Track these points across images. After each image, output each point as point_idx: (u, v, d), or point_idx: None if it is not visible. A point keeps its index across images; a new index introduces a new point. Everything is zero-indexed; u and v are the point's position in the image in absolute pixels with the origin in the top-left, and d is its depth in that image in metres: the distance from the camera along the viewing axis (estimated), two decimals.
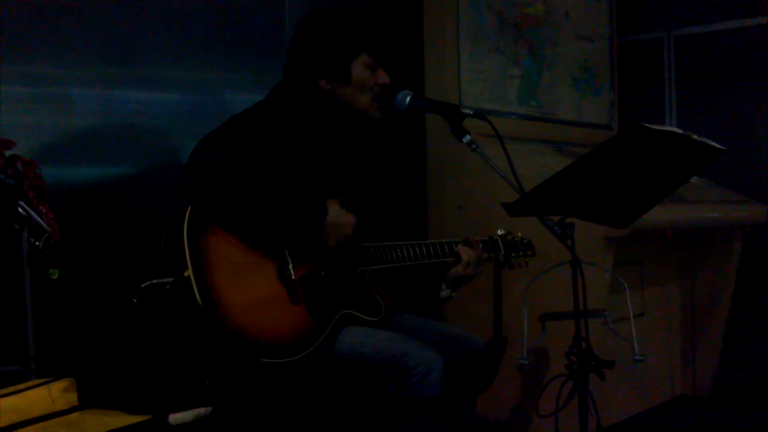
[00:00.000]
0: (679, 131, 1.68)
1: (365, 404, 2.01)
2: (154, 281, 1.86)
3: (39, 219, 2.00)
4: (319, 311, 1.95)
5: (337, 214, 1.98)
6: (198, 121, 2.62)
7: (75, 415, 1.84)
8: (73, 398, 1.89)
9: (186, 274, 1.82)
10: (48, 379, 1.89)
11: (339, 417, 2.03)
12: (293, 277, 1.93)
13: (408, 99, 2.11)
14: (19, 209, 1.99)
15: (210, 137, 1.97)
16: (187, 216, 1.89)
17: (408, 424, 1.90)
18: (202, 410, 1.93)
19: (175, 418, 1.87)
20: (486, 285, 2.30)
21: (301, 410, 2.00)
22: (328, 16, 2.16)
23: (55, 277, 2.01)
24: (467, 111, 2.05)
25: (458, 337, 2.12)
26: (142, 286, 1.86)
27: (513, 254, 2.28)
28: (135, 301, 1.90)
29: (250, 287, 1.89)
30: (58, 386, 1.88)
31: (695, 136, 1.71)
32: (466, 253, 2.17)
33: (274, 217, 1.90)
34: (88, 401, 1.90)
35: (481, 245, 2.23)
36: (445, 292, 2.21)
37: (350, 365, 1.94)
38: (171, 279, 1.86)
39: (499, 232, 2.30)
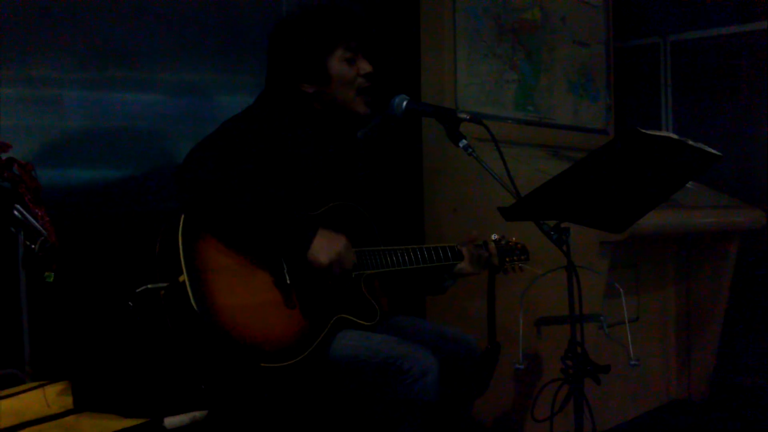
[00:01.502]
0: (675, 137, 1.69)
1: (361, 407, 2.00)
2: (149, 286, 1.85)
3: (35, 222, 2.00)
4: (314, 316, 1.95)
5: (326, 236, 1.94)
6: (195, 123, 2.62)
7: (70, 419, 1.84)
8: (68, 401, 1.88)
9: (181, 279, 1.81)
10: (43, 383, 1.89)
11: (335, 420, 2.03)
12: (288, 282, 1.93)
13: (404, 103, 2.11)
14: (15, 212, 1.99)
15: (204, 143, 1.95)
16: (182, 220, 1.88)
17: (403, 426, 1.90)
18: (197, 414, 1.93)
19: (170, 421, 1.86)
20: (481, 286, 2.31)
21: (297, 414, 2.00)
22: (297, 18, 2.14)
23: (51, 280, 2.01)
24: (464, 115, 2.05)
25: (454, 338, 2.13)
26: (137, 291, 1.85)
27: (507, 259, 2.29)
28: (130, 304, 1.90)
29: (245, 292, 1.88)
30: (53, 389, 1.88)
31: (691, 142, 1.71)
32: (468, 252, 2.20)
33: (263, 232, 1.90)
34: (83, 404, 1.90)
35: (479, 245, 2.26)
36: (447, 283, 2.26)
37: (345, 369, 1.94)
38: (166, 284, 1.85)
39: (494, 237, 2.31)
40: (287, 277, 1.93)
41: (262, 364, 1.83)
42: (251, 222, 1.88)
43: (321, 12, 2.14)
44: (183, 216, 1.88)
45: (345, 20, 2.12)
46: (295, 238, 1.91)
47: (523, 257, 2.33)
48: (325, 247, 1.92)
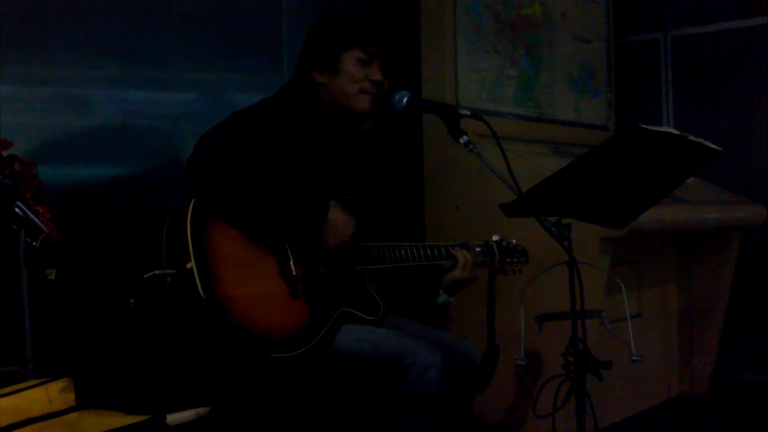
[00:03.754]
0: (676, 132, 1.69)
1: (363, 401, 2.01)
2: (157, 272, 1.86)
3: (36, 219, 2.00)
4: (319, 308, 1.96)
5: (337, 214, 1.99)
6: (198, 121, 2.61)
7: (73, 416, 1.84)
8: (70, 398, 1.88)
9: (188, 266, 1.82)
10: (45, 380, 1.88)
11: (337, 414, 2.03)
12: (294, 273, 1.94)
13: (405, 99, 2.12)
14: (17, 210, 1.99)
15: (214, 131, 1.99)
16: (190, 208, 1.89)
17: (405, 420, 1.91)
18: (200, 410, 1.93)
19: (173, 418, 1.87)
20: (483, 290, 2.30)
21: (300, 408, 2.00)
22: (330, 15, 2.23)
23: (53, 277, 2.01)
24: (464, 111, 2.05)
25: (453, 346, 2.12)
26: (145, 276, 1.86)
27: (507, 260, 2.30)
28: (132, 302, 1.90)
29: (251, 281, 1.89)
30: (55, 386, 1.87)
31: (692, 137, 1.71)
32: (462, 255, 2.19)
33: (274, 215, 1.91)
34: (85, 401, 1.90)
35: (477, 249, 2.26)
36: (442, 297, 2.23)
37: (349, 362, 1.95)
38: (173, 271, 1.86)
39: (494, 238, 2.32)
40: (293, 269, 1.93)
41: (267, 354, 1.84)
42: (261, 205, 1.89)
43: (351, 13, 2.26)
44: (192, 202, 1.89)
45: (371, 26, 2.18)
46: (306, 220, 1.93)
47: (523, 259, 2.34)
48: (336, 231, 1.96)
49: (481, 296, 2.32)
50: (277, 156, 2.02)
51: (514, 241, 2.36)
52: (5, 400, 1.79)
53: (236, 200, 1.89)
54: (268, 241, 1.95)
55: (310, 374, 1.95)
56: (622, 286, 2.14)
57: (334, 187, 2.12)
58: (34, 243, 1.99)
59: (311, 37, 2.20)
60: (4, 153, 2.03)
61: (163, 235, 1.93)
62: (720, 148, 1.77)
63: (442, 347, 2.06)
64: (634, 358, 2.11)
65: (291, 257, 1.95)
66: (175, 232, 1.89)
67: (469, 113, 2.04)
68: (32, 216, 2.00)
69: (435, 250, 2.18)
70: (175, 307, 1.87)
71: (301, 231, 1.95)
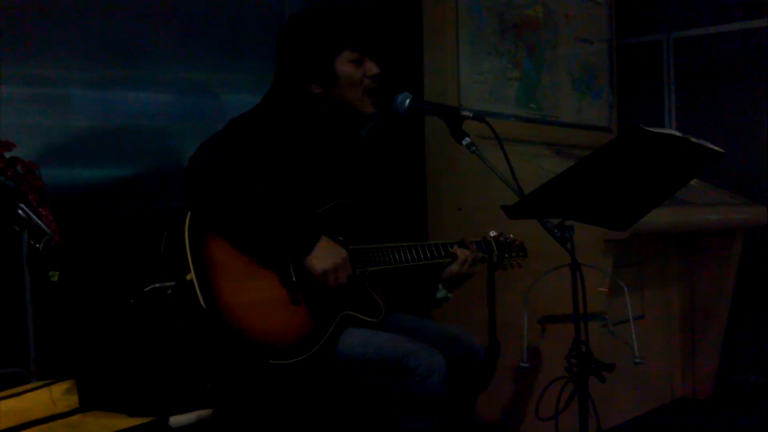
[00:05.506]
0: (678, 134, 1.69)
1: (367, 403, 2.01)
2: (157, 285, 1.86)
3: (39, 221, 2.00)
4: (320, 313, 1.96)
5: (327, 243, 1.95)
6: (198, 122, 2.63)
7: (76, 418, 1.84)
8: (74, 400, 1.88)
9: (188, 277, 1.82)
10: (49, 381, 1.89)
11: (340, 418, 2.03)
12: (294, 279, 1.93)
13: (407, 101, 2.11)
14: (20, 211, 1.99)
15: (210, 142, 1.97)
16: (188, 218, 1.89)
17: (409, 421, 1.91)
18: (203, 412, 1.93)
19: (176, 420, 1.87)
20: (483, 290, 2.30)
21: (303, 412, 2.00)
22: (305, 19, 2.14)
23: (56, 279, 2.01)
24: (466, 113, 2.05)
25: (455, 338, 2.13)
26: (146, 290, 1.85)
27: (506, 255, 2.29)
28: (132, 302, 1.90)
29: (252, 289, 1.89)
30: (59, 388, 1.88)
31: (694, 139, 1.71)
32: (461, 252, 2.19)
33: (266, 234, 1.90)
34: (89, 403, 1.90)
35: (474, 245, 2.25)
36: (441, 293, 2.23)
37: (353, 366, 1.95)
38: (173, 283, 1.86)
39: (492, 234, 2.31)
40: (293, 275, 1.93)
41: (270, 362, 1.84)
42: (254, 221, 1.89)
43: (327, 13, 2.13)
44: (189, 213, 1.89)
45: (351, 21, 2.12)
46: (296, 242, 1.92)
47: (521, 253, 2.33)
48: (324, 256, 1.92)
49: (480, 296, 2.31)
50: (276, 162, 2.01)
51: (511, 235, 2.35)
52: (8, 402, 1.79)
53: (232, 212, 1.88)
54: (262, 252, 1.94)
55: (313, 379, 1.95)
56: (625, 288, 2.13)
57: (334, 190, 2.12)
58: (37, 245, 1.99)
59: (295, 51, 2.11)
60: (7, 155, 2.04)
61: (161, 247, 1.92)
62: (723, 150, 1.77)
63: (446, 341, 2.07)
64: (636, 360, 2.10)
65: (291, 264, 1.94)
66: (174, 244, 1.88)
67: (471, 115, 2.04)
68: (35, 218, 2.00)
69: (434, 250, 2.18)
70: (176, 318, 1.87)
71: (288, 254, 1.94)
